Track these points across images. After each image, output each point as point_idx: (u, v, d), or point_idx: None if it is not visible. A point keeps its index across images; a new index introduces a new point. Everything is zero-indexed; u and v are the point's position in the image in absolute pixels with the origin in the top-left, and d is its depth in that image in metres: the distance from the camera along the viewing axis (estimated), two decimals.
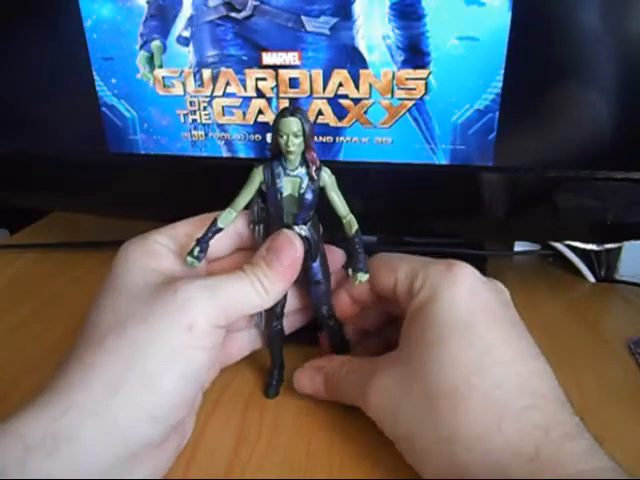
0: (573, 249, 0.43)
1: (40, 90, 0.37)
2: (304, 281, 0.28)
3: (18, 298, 0.42)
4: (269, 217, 0.27)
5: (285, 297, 0.28)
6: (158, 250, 0.25)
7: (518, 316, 0.24)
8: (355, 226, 0.27)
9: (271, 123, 0.34)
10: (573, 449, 0.19)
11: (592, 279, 0.43)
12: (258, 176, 0.26)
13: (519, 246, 0.47)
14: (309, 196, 0.26)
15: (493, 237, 0.46)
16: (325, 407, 0.30)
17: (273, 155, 0.26)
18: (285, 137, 0.24)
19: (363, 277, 0.27)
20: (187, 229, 0.27)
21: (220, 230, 0.26)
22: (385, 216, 0.37)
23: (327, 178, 0.26)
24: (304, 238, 0.27)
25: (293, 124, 0.24)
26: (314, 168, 0.26)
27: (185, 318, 0.22)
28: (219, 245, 0.27)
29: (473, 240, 0.44)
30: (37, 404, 0.20)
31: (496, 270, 0.43)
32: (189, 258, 0.25)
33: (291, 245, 0.25)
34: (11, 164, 0.40)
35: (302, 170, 0.26)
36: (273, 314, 0.28)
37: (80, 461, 0.19)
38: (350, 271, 0.27)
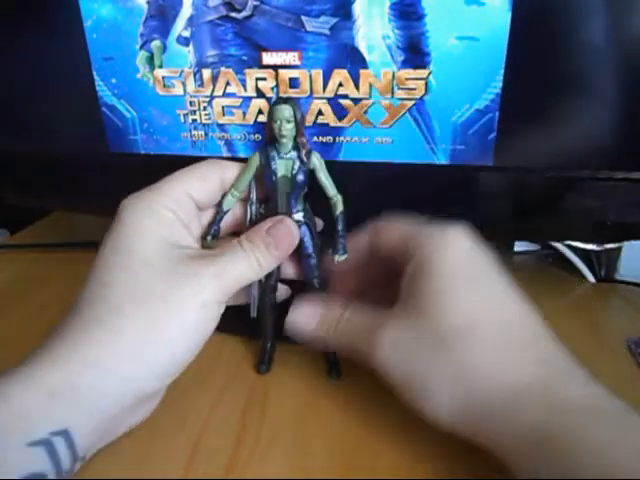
0: (573, 249, 0.43)
1: (40, 90, 0.37)
2: (297, 254, 0.31)
3: (18, 298, 0.42)
4: (267, 208, 0.30)
5: (278, 271, 0.31)
6: (167, 218, 0.27)
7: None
8: (340, 208, 0.29)
9: None
10: (573, 378, 0.22)
11: (592, 279, 0.43)
12: (255, 160, 0.29)
13: (519, 246, 0.47)
14: (301, 177, 0.28)
15: (493, 237, 0.46)
16: (325, 407, 0.30)
17: (267, 142, 0.29)
18: (279, 122, 0.27)
19: (340, 258, 0.30)
20: (185, 188, 0.28)
21: (226, 212, 0.29)
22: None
23: (317, 161, 0.29)
24: (304, 224, 0.30)
25: (286, 111, 0.27)
26: (304, 152, 0.28)
27: (199, 298, 0.25)
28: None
29: None
30: (58, 355, 0.22)
31: None
32: (209, 239, 0.29)
33: (290, 235, 0.28)
34: (11, 164, 0.40)
35: (294, 153, 0.28)
36: (267, 287, 0.31)
37: (96, 409, 0.23)
38: (330, 251, 0.30)
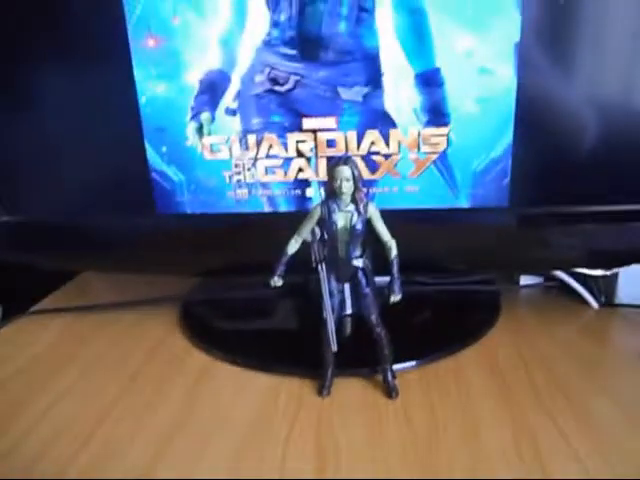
0: (576, 279, 0.48)
1: (95, 158, 0.40)
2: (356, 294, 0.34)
3: (61, 361, 0.42)
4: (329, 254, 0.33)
5: (340, 307, 0.34)
6: None
7: None
8: (394, 252, 0.33)
9: (310, 179, 0.38)
10: None
11: (595, 305, 0.47)
12: (317, 212, 0.32)
13: (524, 280, 0.51)
14: (359, 227, 0.32)
15: (508, 269, 0.50)
16: (327, 406, 0.32)
17: (328, 196, 0.32)
18: (339, 181, 0.31)
19: (395, 298, 0.33)
20: None
21: (290, 255, 0.33)
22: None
23: (373, 211, 0.32)
24: (361, 269, 0.33)
25: (346, 171, 0.30)
26: (362, 205, 0.32)
27: None
28: None
29: (486, 276, 0.49)
30: None
31: (508, 304, 0.47)
32: (275, 279, 0.33)
33: None
34: (57, 230, 0.42)
35: (352, 206, 0.32)
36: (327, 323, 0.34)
37: None
38: (386, 291, 0.33)
